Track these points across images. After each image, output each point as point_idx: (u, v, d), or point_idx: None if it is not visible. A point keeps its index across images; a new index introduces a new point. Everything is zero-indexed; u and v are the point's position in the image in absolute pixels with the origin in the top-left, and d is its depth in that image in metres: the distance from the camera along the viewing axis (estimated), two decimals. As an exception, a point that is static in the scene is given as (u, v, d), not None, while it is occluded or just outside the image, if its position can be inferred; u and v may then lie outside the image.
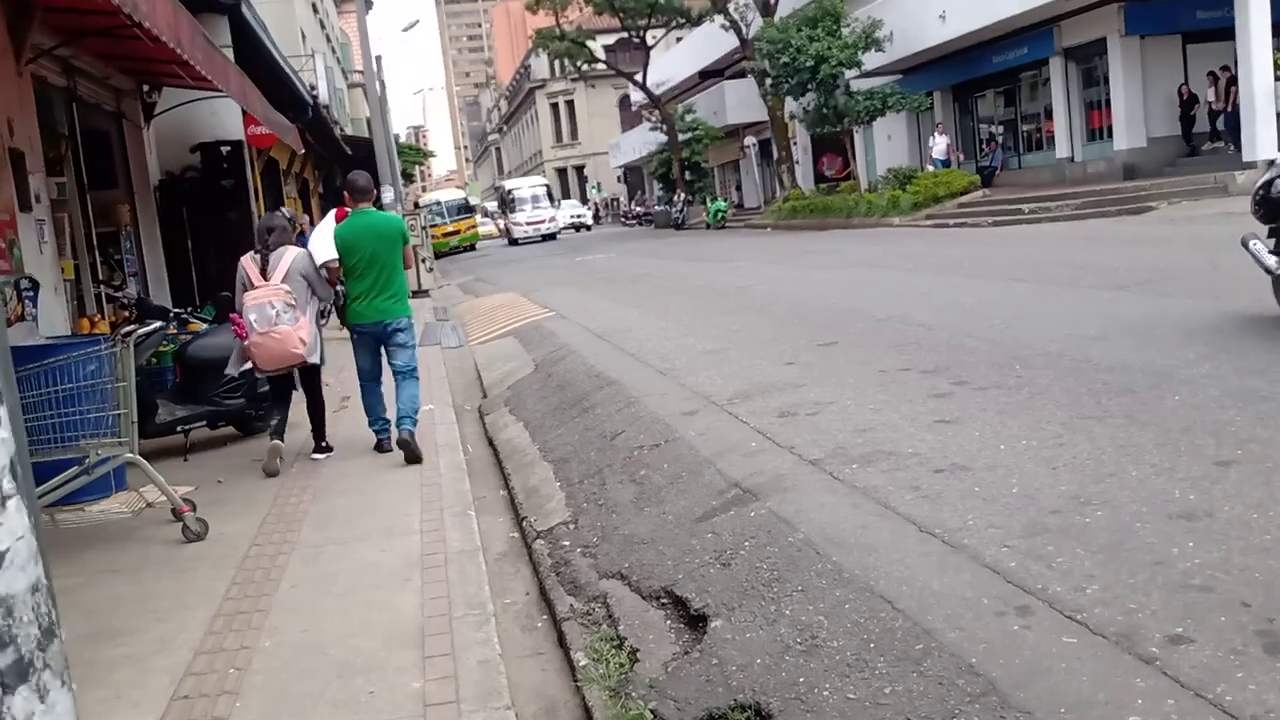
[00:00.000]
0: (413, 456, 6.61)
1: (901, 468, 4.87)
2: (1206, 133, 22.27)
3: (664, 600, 4.04)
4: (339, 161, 26.45)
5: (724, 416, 6.45)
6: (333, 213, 8.21)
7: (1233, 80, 20.52)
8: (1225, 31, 19.81)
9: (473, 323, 15.53)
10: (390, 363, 6.94)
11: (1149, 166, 22.01)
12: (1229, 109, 20.92)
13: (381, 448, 7.02)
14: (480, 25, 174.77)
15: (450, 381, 10.04)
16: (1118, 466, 4.46)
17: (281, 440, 6.85)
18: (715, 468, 5.37)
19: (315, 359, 6.81)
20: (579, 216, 55.94)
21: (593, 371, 8.83)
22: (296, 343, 6.54)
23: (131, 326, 6.12)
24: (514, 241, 46.06)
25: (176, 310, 7.67)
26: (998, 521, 4.03)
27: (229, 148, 11.24)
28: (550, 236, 45.89)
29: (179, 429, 7.47)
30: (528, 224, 46.14)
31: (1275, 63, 18.84)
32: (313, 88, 19.47)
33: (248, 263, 6.73)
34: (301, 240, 8.43)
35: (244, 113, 10.82)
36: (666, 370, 8.32)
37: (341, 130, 25.66)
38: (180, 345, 7.82)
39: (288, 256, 6.71)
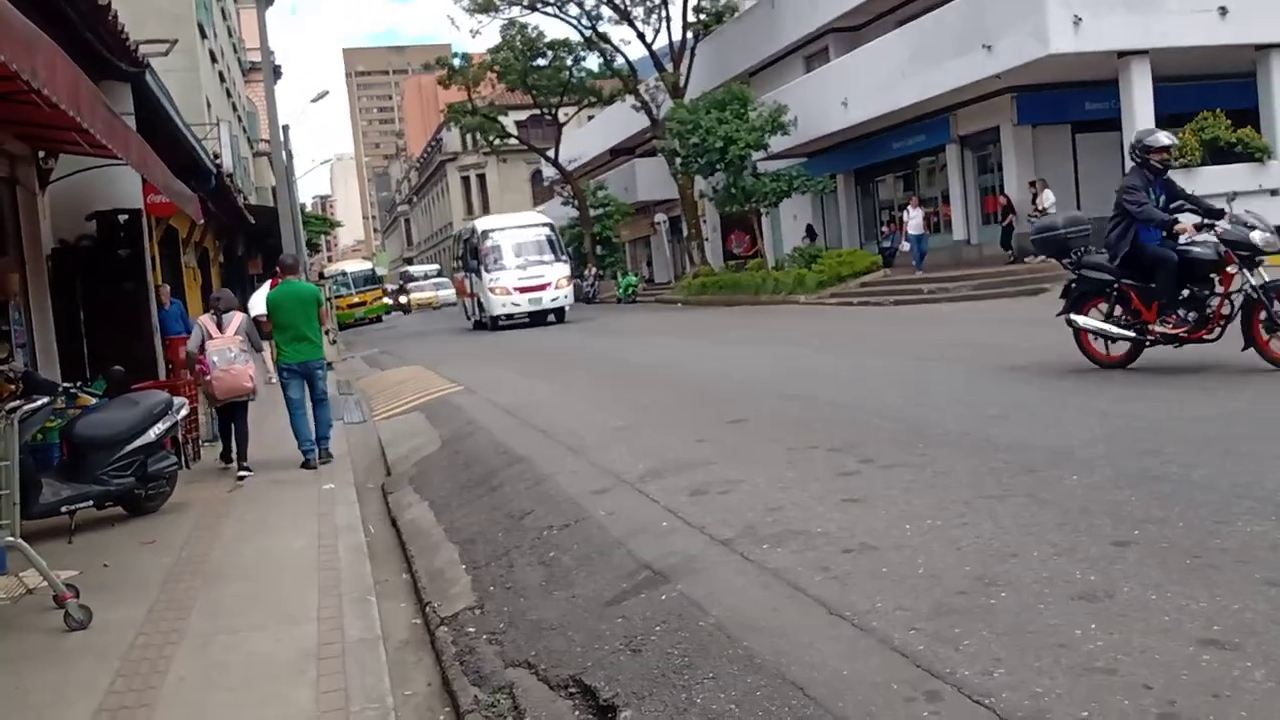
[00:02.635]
0: (325, 457, 9.17)
1: (811, 548, 4.87)
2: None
3: (572, 690, 3.94)
4: (242, 230, 26.00)
5: (635, 495, 6.40)
6: (268, 282, 10.87)
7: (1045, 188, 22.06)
8: (1112, 122, 20.90)
9: (377, 397, 15.26)
10: (312, 394, 9.27)
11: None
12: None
13: (308, 465, 9.01)
14: (391, 97, 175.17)
15: (353, 458, 9.81)
16: (1020, 546, 4.52)
17: (231, 461, 9.20)
18: (626, 548, 5.31)
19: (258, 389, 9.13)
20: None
21: (501, 448, 8.72)
22: (247, 379, 8.88)
23: (17, 401, 5.85)
24: (493, 323, 26.92)
25: (66, 385, 7.35)
26: (905, 603, 4.03)
27: (127, 216, 10.89)
28: (554, 315, 27.10)
29: (64, 510, 7.12)
30: (518, 289, 26.50)
31: None
32: (216, 156, 19.16)
33: (207, 321, 9.13)
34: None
35: (144, 181, 10.57)
36: (577, 447, 8.25)
37: (245, 199, 25.26)
38: (68, 421, 7.49)
39: (237, 318, 9.18)
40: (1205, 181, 19.90)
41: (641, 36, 35.22)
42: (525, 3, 35.97)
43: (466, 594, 5.45)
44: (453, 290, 58.83)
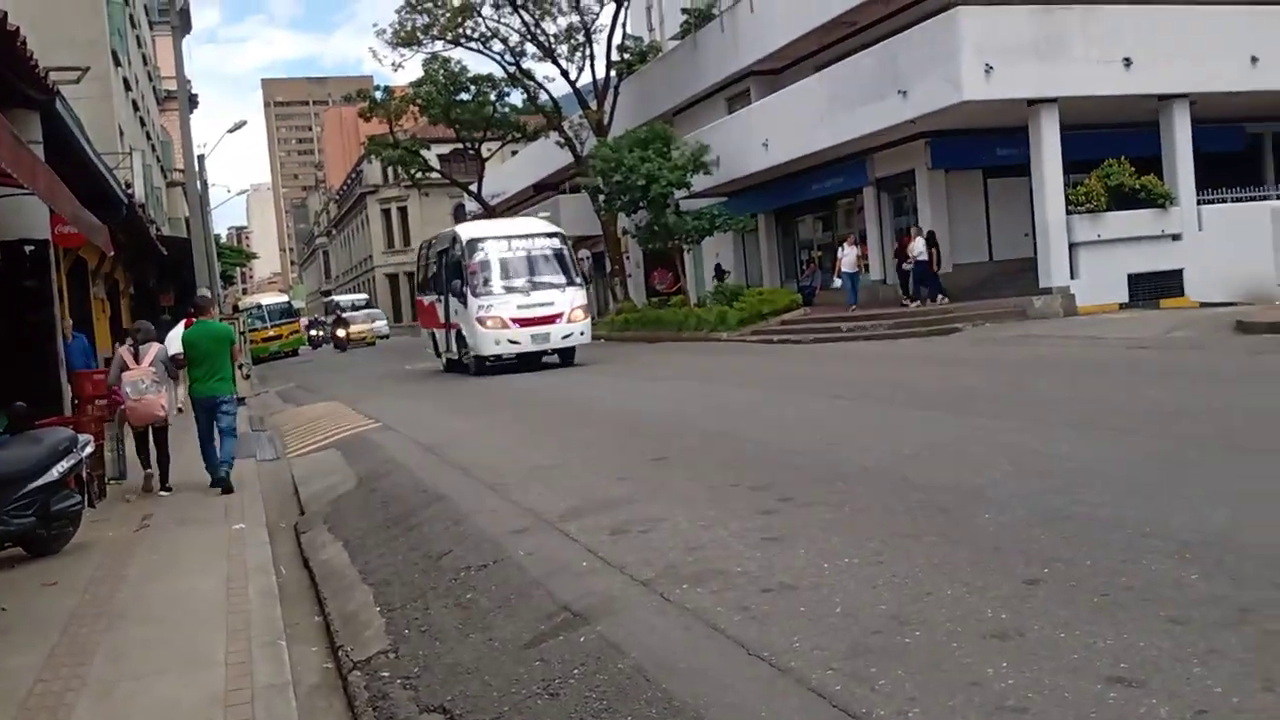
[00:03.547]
0: (228, 489, 9.44)
1: (731, 587, 4.88)
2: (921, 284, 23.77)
3: (489, 735, 3.88)
4: (153, 262, 25.38)
5: (555, 534, 6.36)
6: (183, 321, 11.48)
7: (931, 239, 22.97)
8: (1022, 168, 21.58)
9: (291, 433, 14.95)
10: (218, 426, 9.71)
11: (956, 290, 23.46)
12: (932, 266, 22.99)
13: (218, 485, 9.54)
14: (311, 128, 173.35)
15: (264, 497, 9.58)
16: (934, 585, 4.59)
17: (153, 468, 9.82)
18: (545, 589, 5.26)
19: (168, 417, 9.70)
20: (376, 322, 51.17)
21: (420, 487, 8.60)
22: (159, 407, 9.49)
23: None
24: (476, 364, 19.96)
25: (-37, 421, 7.10)
26: (823, 643, 4.06)
27: (33, 247, 10.59)
28: (557, 355, 20.69)
29: (-43, 551, 6.82)
30: (518, 321, 19.58)
31: (1066, 197, 20.61)
32: (128, 186, 18.72)
33: (125, 352, 9.66)
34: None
35: (52, 211, 10.28)
36: (497, 485, 8.18)
37: (158, 230, 24.68)
38: (-35, 459, 7.19)
39: (153, 349, 9.72)
40: (1110, 226, 20.68)
41: (565, 74, 35.45)
42: (448, 38, 35.96)
43: (381, 637, 5.34)
44: (385, 323, 57.34)
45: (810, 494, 6.61)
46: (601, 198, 30.44)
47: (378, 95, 40.28)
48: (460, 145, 43.35)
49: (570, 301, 19.95)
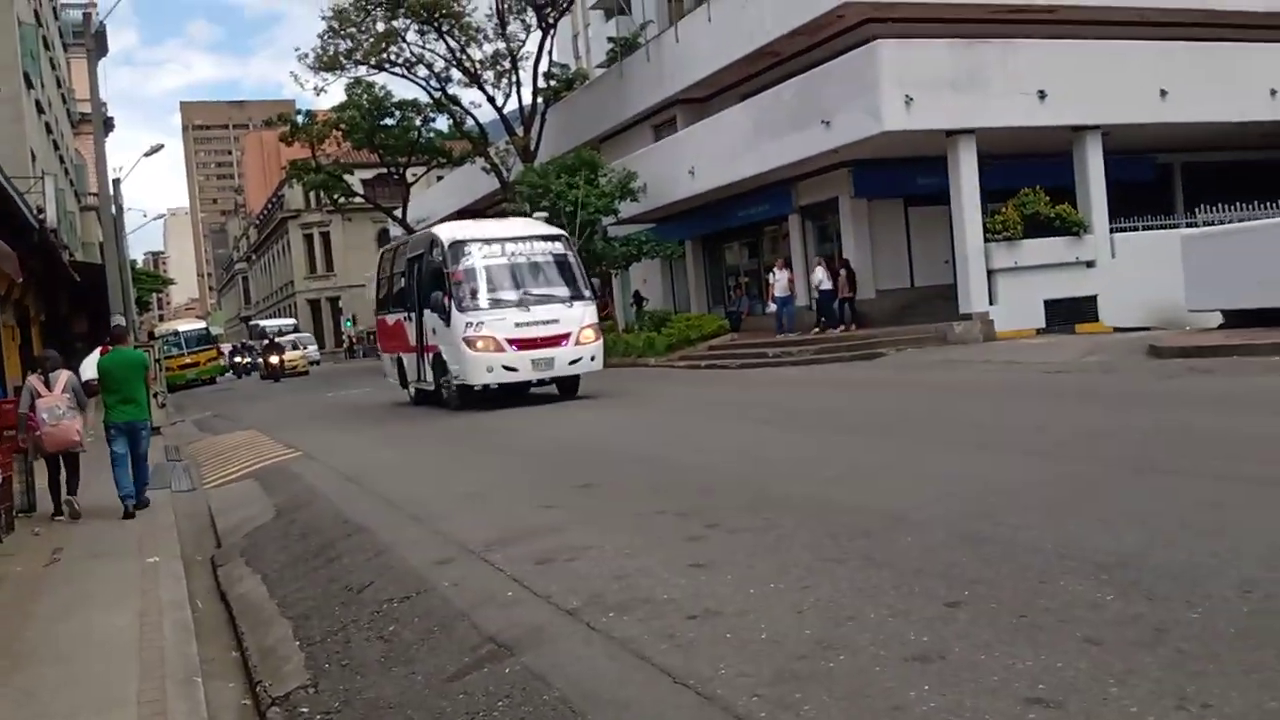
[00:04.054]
0: (142, 505, 9.92)
1: (657, 615, 4.85)
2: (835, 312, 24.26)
3: (410, 772, 3.78)
4: (66, 288, 24.66)
5: (480, 565, 6.26)
6: (99, 349, 11.74)
7: (845, 268, 23.69)
8: (942, 196, 22.07)
9: (208, 463, 14.58)
10: (135, 451, 9.98)
11: (878, 316, 23.85)
12: (842, 294, 23.65)
13: (128, 514, 9.70)
14: (231, 152, 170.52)
15: (180, 529, 9.31)
16: (857, 609, 4.62)
17: (73, 495, 9.91)
18: (470, 621, 5.17)
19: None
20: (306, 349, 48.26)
21: (341, 517, 8.43)
22: (74, 432, 9.65)
23: None
24: (460, 395, 16.74)
25: None
26: (748, 669, 4.05)
27: (-64, 273, 10.25)
28: (562, 385, 17.48)
29: None
30: (516, 343, 16.26)
31: (984, 225, 21.11)
32: (40, 211, 18.19)
33: (36, 380, 9.78)
34: None
35: (-44, 236, 9.94)
36: (421, 515, 8.05)
37: (71, 255, 24.03)
38: None
39: (64, 376, 9.89)
40: (1026, 253, 21.22)
41: (492, 100, 35.47)
42: (371, 63, 35.72)
43: (300, 672, 5.20)
44: (316, 349, 55.56)
45: (737, 520, 6.62)
46: (528, 224, 30.35)
47: (300, 119, 39.86)
48: (384, 170, 42.99)
49: (579, 319, 16.67)
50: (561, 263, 17.29)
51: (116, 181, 27.83)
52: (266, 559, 7.81)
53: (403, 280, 19.41)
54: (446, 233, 17.57)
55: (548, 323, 16.31)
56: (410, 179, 42.50)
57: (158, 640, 5.69)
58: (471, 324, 16.01)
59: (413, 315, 18.29)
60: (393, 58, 35.43)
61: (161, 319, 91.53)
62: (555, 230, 18.99)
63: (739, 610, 4.78)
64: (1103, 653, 3.83)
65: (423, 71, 35.82)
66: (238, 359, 52.20)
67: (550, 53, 35.34)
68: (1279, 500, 5.88)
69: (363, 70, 36.38)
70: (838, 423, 10.98)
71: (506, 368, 16.08)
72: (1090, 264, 21.73)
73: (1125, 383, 13.00)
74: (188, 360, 42.17)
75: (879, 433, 9.96)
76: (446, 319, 16.41)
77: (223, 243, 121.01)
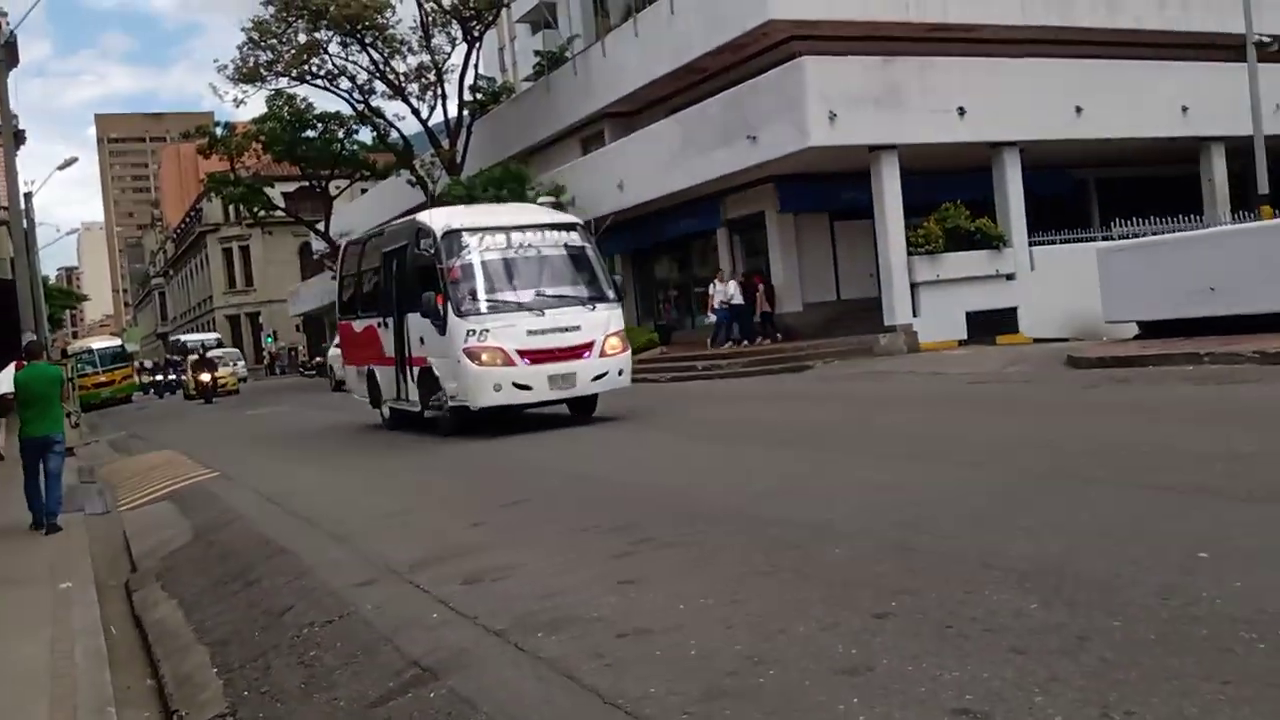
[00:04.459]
0: (53, 529, 9.77)
1: (586, 634, 4.78)
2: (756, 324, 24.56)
3: (330, 804, 3.66)
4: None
5: (404, 586, 6.13)
6: (13, 364, 11.79)
7: (765, 284, 24.10)
8: (866, 211, 22.41)
9: (123, 485, 14.12)
10: (46, 466, 9.88)
11: (806, 329, 24.09)
12: (761, 308, 24.04)
13: (37, 526, 9.84)
14: (147, 165, 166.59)
15: (93, 553, 8.99)
16: (787, 623, 4.60)
17: None
18: (393, 644, 5.05)
19: None
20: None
21: (260, 539, 8.21)
22: None
23: None
24: (451, 419, 13.97)
25: None
26: (678, 687, 4.00)
27: None
28: (572, 407, 14.73)
29: None
30: (529, 355, 13.31)
31: (906, 239, 21.47)
32: (-55, 224, 17.54)
33: None
34: None
35: None
36: (344, 535, 7.87)
37: (-21, 271, 23.20)
38: None
39: None
40: (948, 266, 21.62)
41: (417, 113, 35.18)
42: (293, 74, 35.19)
43: (218, 700, 5.04)
44: (244, 365, 53.76)
45: (667, 534, 6.58)
46: (455, 238, 30.06)
47: (218, 131, 39.06)
48: (306, 183, 42.32)
49: (603, 325, 13.81)
50: (579, 256, 14.44)
51: (28, 195, 26.93)
52: (183, 583, 7.57)
53: (376, 279, 16.50)
54: (439, 220, 14.43)
55: (567, 330, 13.43)
56: (333, 192, 41.90)
57: (69, 669, 5.48)
58: (474, 332, 13.10)
59: (389, 321, 15.38)
60: (315, 69, 34.97)
61: (75, 336, 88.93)
62: (569, 217, 16.15)
63: (668, 627, 4.74)
64: (1027, 661, 3.86)
65: (346, 84, 35.44)
66: (159, 377, 49.88)
67: (476, 65, 35.27)
68: (1196, 508, 6.01)
69: (284, 82, 35.86)
70: (767, 435, 11.03)
71: (518, 385, 13.16)
72: (1010, 277, 22.21)
73: (1045, 393, 13.27)
74: (102, 379, 40.89)
75: (807, 444, 10.02)
76: (441, 326, 13.38)
77: (139, 258, 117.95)
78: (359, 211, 45.75)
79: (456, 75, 34.44)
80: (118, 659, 5.97)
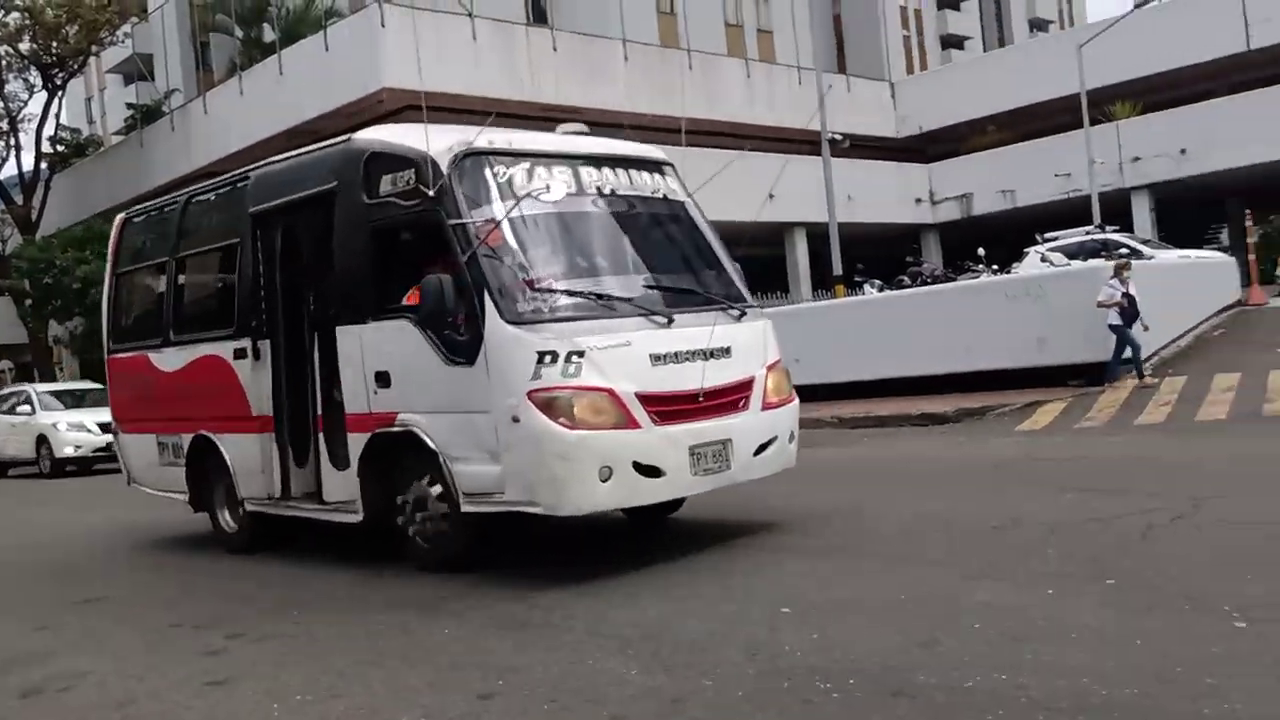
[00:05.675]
0: None
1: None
2: None
3: None
4: None
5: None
6: None
7: None
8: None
9: None
10: None
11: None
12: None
13: None
14: None
15: None
16: (392, 714, 4.41)
17: None
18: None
19: None
20: None
21: None
22: None
23: None
24: (468, 532, 6.79)
25: None
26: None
27: None
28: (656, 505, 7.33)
29: None
30: (649, 400, 6.42)
31: None
32: None
33: None
34: None
35: None
36: None
37: None
38: None
39: None
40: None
41: (-16, 164, 31.37)
42: None
43: None
44: None
45: (263, 627, 6.12)
46: (28, 302, 27.10)
47: None
48: None
49: (760, 349, 7.44)
50: (684, 219, 8.11)
51: None
52: None
53: (223, 272, 9.09)
54: (441, 140, 7.10)
55: (711, 355, 6.95)
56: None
57: None
58: (553, 356, 6.33)
59: (263, 346, 8.15)
60: None
61: None
62: (650, 150, 8.41)
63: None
64: (626, 729, 3.95)
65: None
66: None
67: (59, 116, 32.17)
68: (779, 563, 6.52)
69: None
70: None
71: (641, 468, 6.49)
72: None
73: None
74: None
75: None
76: (463, 345, 6.58)
77: None
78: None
79: (35, 125, 31.19)
80: None
